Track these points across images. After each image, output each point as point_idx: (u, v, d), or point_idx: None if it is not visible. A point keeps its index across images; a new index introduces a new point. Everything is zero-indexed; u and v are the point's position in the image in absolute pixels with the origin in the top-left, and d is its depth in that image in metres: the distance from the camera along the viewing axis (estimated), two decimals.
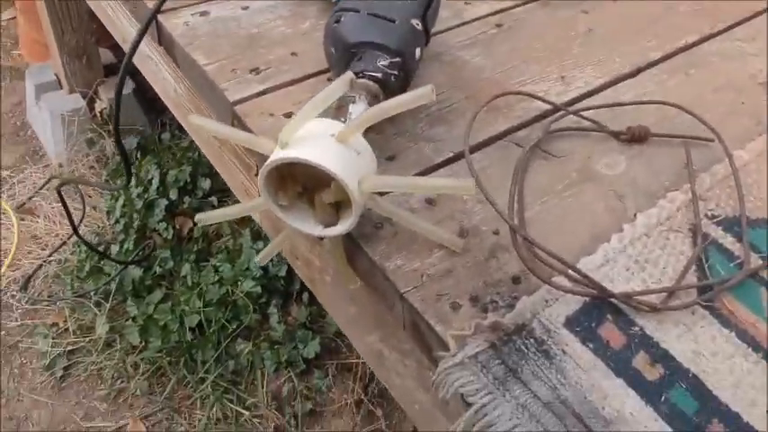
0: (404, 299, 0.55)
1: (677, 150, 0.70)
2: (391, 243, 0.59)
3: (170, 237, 1.63)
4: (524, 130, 0.72)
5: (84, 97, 1.87)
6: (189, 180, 1.71)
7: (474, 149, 0.69)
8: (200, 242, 1.63)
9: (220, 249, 1.60)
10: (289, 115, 0.69)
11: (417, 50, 0.69)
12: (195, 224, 1.72)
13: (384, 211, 0.58)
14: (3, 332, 1.50)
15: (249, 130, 0.68)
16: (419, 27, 0.70)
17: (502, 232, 0.60)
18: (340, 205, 0.57)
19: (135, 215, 1.65)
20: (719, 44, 0.88)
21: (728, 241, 0.61)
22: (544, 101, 0.74)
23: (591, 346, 0.52)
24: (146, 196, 1.68)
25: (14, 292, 1.57)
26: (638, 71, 0.82)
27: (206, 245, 1.64)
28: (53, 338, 1.44)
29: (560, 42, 0.86)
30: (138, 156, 1.81)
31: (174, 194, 1.69)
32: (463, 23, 0.88)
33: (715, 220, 0.63)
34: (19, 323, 1.51)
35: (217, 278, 1.49)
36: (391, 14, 0.68)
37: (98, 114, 1.90)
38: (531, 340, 0.52)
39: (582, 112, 0.73)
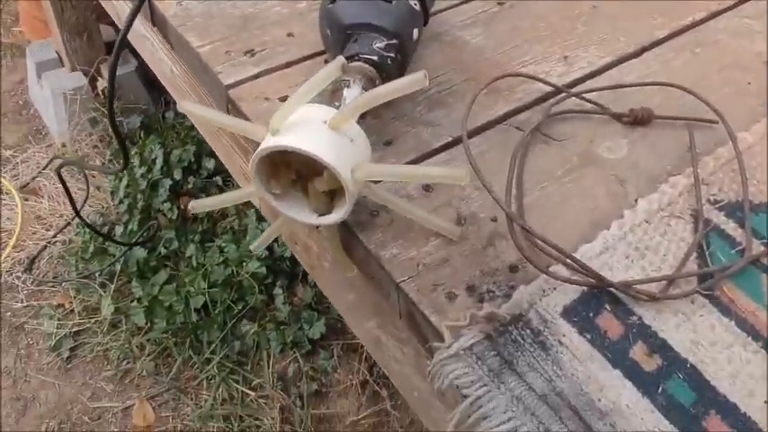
0: (399, 288, 0.55)
1: (681, 133, 0.69)
2: (387, 231, 0.58)
3: (175, 217, 1.63)
4: (525, 113, 0.71)
5: (85, 75, 1.86)
6: (193, 160, 1.71)
7: (473, 133, 0.68)
8: (205, 222, 1.64)
9: (225, 230, 1.60)
10: (284, 99, 0.69)
11: (415, 31, 0.68)
12: None
13: (379, 199, 0.57)
14: (8, 313, 1.51)
15: (243, 115, 0.68)
16: (417, 7, 0.68)
17: (500, 219, 0.60)
18: (334, 193, 0.56)
19: (139, 196, 1.65)
20: (727, 21, 0.86)
21: (730, 227, 0.60)
22: (545, 83, 0.73)
23: (588, 336, 0.51)
24: (150, 176, 1.68)
25: (19, 273, 1.58)
26: (643, 50, 0.81)
27: (211, 225, 1.64)
28: (59, 320, 1.46)
29: (564, 21, 0.85)
30: (142, 135, 1.81)
31: (178, 174, 1.68)
32: (463, 2, 0.86)
33: (717, 206, 0.62)
34: (24, 304, 1.52)
35: (222, 259, 1.50)
36: None
37: (101, 93, 1.89)
38: (528, 331, 0.51)
39: (584, 94, 0.72)
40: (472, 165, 0.59)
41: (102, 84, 1.88)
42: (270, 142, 0.52)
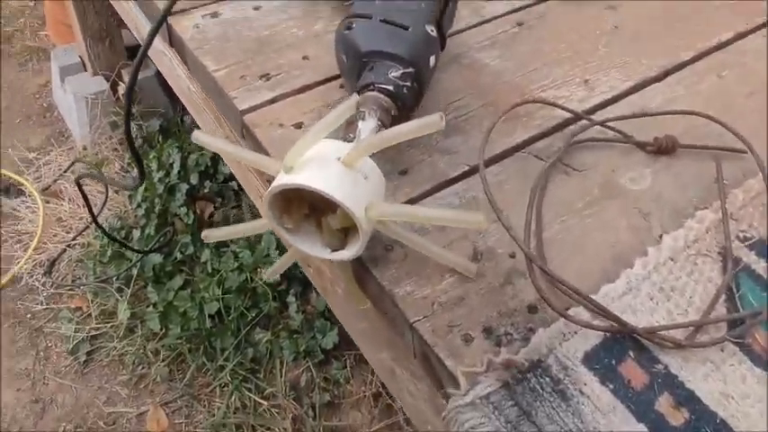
0: (414, 329, 0.51)
1: (707, 163, 0.65)
2: (401, 267, 0.55)
3: (191, 222, 1.60)
4: (544, 140, 0.67)
5: (107, 80, 1.84)
6: (209, 164, 1.68)
7: (490, 162, 0.64)
8: (221, 227, 1.61)
9: None
10: (299, 126, 0.65)
11: (432, 58, 0.64)
12: (216, 208, 1.71)
13: (393, 234, 0.54)
14: (28, 315, 1.50)
15: (258, 142, 0.64)
16: (433, 33, 0.65)
17: (518, 255, 0.56)
18: (348, 228, 0.53)
19: (156, 200, 1.62)
20: (755, 41, 0.82)
21: (762, 267, 0.56)
22: (566, 109, 0.69)
23: (611, 386, 0.48)
24: (167, 180, 1.65)
25: (39, 276, 1.56)
26: (667, 74, 0.76)
27: None
28: (77, 323, 1.44)
29: (584, 42, 0.81)
30: (160, 139, 1.79)
31: (194, 179, 1.66)
32: (482, 22, 0.82)
33: (747, 243, 0.58)
34: (44, 307, 1.50)
35: (236, 265, 1.47)
36: (404, 21, 0.63)
37: (121, 97, 1.87)
38: (547, 379, 0.48)
39: (605, 122, 0.68)
40: (489, 198, 0.55)
41: (122, 88, 1.86)
42: (283, 180, 0.49)
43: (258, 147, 0.65)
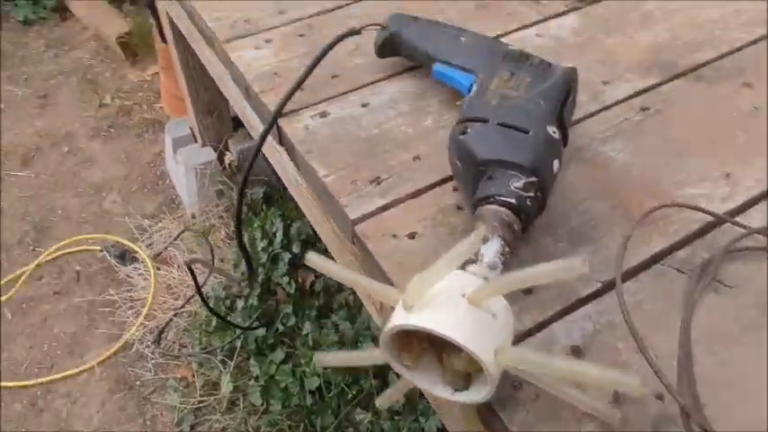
0: None
1: None
2: (532, 409, 0.48)
3: (293, 291, 1.59)
4: (685, 249, 0.59)
5: (215, 150, 1.89)
6: (312, 232, 1.67)
7: (626, 277, 0.56)
8: (322, 297, 1.58)
9: (341, 305, 1.54)
10: (412, 236, 0.60)
11: (555, 163, 0.58)
12: (317, 277, 1.69)
13: (521, 374, 0.47)
14: (138, 382, 1.51)
15: (370, 254, 0.60)
16: (556, 135, 0.58)
17: (667, 398, 0.48)
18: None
19: (260, 269, 1.62)
20: None
21: None
22: (710, 214, 0.60)
23: None
24: (270, 249, 1.65)
25: (149, 343, 1.58)
26: None
27: (327, 298, 1.59)
28: (182, 395, 1.44)
29: (720, 127, 0.72)
30: (264, 207, 1.80)
31: (296, 248, 1.65)
32: (603, 108, 0.75)
33: None
34: (153, 375, 1.52)
35: (337, 337, 1.43)
36: (523, 123, 0.57)
37: (228, 166, 1.91)
38: None
39: (754, 225, 0.59)
40: (629, 326, 0.48)
41: (228, 158, 1.91)
42: (403, 321, 0.44)
43: (370, 259, 0.60)
